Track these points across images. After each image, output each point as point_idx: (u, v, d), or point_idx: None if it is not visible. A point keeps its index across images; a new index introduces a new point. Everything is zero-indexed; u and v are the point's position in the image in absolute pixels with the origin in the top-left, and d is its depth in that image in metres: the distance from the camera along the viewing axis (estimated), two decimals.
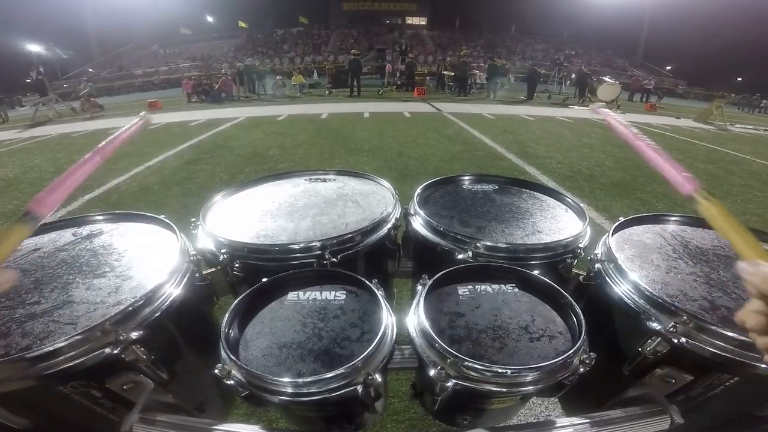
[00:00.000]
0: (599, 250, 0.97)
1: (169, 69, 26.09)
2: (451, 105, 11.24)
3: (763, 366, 0.64)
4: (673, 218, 1.10)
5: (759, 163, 5.62)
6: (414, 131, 7.02)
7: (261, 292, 0.81)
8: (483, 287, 0.84)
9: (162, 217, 1.04)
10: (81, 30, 29.99)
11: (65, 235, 1.01)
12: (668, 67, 33.06)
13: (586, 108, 11.75)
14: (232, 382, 0.63)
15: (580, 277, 1.00)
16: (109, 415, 0.79)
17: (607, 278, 0.86)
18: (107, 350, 0.65)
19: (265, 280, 0.83)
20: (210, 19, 36.86)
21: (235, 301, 0.76)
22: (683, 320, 0.69)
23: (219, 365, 0.63)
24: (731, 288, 0.81)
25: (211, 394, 1.02)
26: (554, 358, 0.64)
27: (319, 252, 0.91)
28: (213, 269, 1.07)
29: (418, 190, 1.23)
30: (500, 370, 0.62)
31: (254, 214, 1.11)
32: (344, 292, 0.83)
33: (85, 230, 1.04)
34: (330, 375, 0.60)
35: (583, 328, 0.70)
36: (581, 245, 0.97)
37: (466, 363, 0.63)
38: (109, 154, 0.69)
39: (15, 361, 0.61)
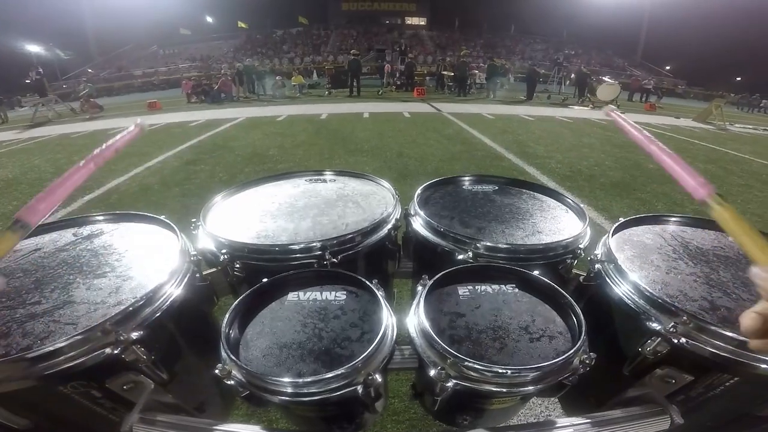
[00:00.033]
0: (599, 251, 0.97)
1: (168, 69, 26.10)
2: (451, 105, 11.24)
3: (763, 366, 0.64)
4: (673, 219, 1.10)
5: (758, 163, 5.63)
6: (414, 131, 7.02)
7: (261, 293, 0.81)
8: (483, 287, 0.84)
9: (162, 217, 1.04)
10: (80, 30, 30.00)
11: (66, 236, 1.01)
12: (668, 67, 33.10)
13: (585, 108, 11.77)
14: (232, 382, 0.63)
15: (580, 278, 1.00)
16: (109, 415, 0.78)
17: (607, 279, 0.86)
18: (107, 350, 0.65)
19: (265, 280, 0.83)
20: (209, 19, 36.87)
21: (236, 302, 0.76)
22: (683, 320, 0.69)
23: (219, 365, 0.63)
24: (731, 288, 0.81)
25: (211, 394, 1.02)
26: (554, 359, 0.64)
27: (319, 252, 0.91)
28: (213, 269, 1.07)
29: (419, 191, 1.23)
30: (500, 371, 0.62)
31: (254, 215, 1.11)
32: (344, 292, 0.83)
33: (85, 230, 1.04)
34: (330, 375, 0.60)
35: (583, 329, 0.70)
36: (581, 246, 0.97)
37: (466, 363, 0.63)
38: (103, 163, 0.68)
39: (15, 361, 0.60)
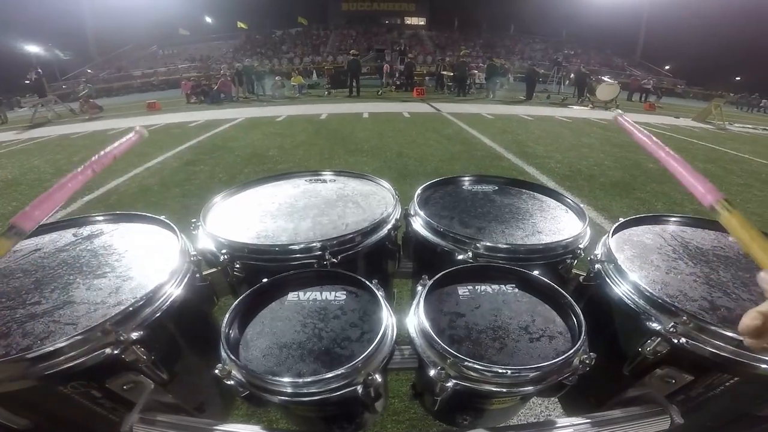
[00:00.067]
0: (599, 251, 0.97)
1: (167, 70, 26.08)
2: (450, 105, 11.25)
3: (764, 366, 0.64)
4: (673, 219, 1.10)
5: (758, 162, 5.63)
6: (413, 131, 7.03)
7: (261, 293, 0.81)
8: (483, 287, 0.84)
9: (162, 217, 1.04)
10: (80, 31, 29.99)
11: (66, 236, 1.01)
12: (667, 67, 33.12)
13: (585, 108, 11.78)
14: (232, 382, 0.63)
15: (580, 278, 1.00)
16: (109, 415, 0.78)
17: (607, 279, 0.86)
18: (107, 350, 0.65)
19: (265, 280, 0.83)
20: (209, 19, 36.84)
21: (236, 302, 0.76)
22: (683, 320, 0.69)
23: (219, 365, 0.63)
24: (731, 288, 0.81)
25: (211, 394, 1.02)
26: (554, 359, 0.64)
27: (319, 252, 0.91)
28: (213, 270, 1.07)
29: (418, 191, 1.23)
30: (500, 371, 0.62)
31: (254, 215, 1.11)
32: (344, 292, 0.83)
33: (85, 231, 1.04)
34: (330, 375, 0.60)
35: (583, 329, 0.70)
36: (581, 246, 0.97)
37: (466, 363, 0.63)
38: (101, 169, 0.68)
39: (15, 361, 0.60)
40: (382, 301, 0.76)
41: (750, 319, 0.38)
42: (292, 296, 0.82)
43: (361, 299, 0.82)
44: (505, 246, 0.94)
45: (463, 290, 0.83)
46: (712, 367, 0.71)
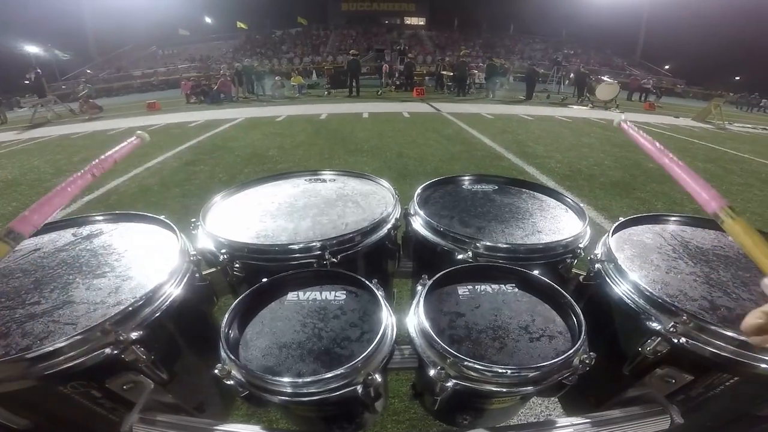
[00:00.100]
0: (599, 250, 0.97)
1: (167, 70, 26.09)
2: (450, 105, 11.25)
3: (763, 366, 0.64)
4: (673, 218, 1.10)
5: (758, 162, 5.63)
6: (413, 131, 7.02)
7: (261, 292, 0.81)
8: (483, 287, 0.84)
9: (162, 217, 1.04)
10: (79, 31, 29.99)
11: (65, 236, 1.01)
12: (667, 67, 33.13)
13: (585, 107, 11.78)
14: (231, 382, 0.63)
15: (580, 277, 1.00)
16: (109, 415, 0.78)
17: (607, 278, 0.86)
18: (107, 350, 0.65)
19: (264, 280, 0.83)
20: (208, 19, 36.84)
21: (235, 302, 0.76)
22: (683, 320, 0.69)
23: (219, 365, 0.63)
24: (731, 288, 0.81)
25: (211, 394, 1.02)
26: (554, 358, 0.64)
27: (318, 252, 0.91)
28: (213, 269, 1.07)
29: (418, 190, 1.23)
30: (500, 370, 0.62)
31: (254, 215, 1.11)
32: (344, 292, 0.83)
33: (85, 230, 1.04)
34: (330, 375, 0.60)
35: (583, 328, 0.70)
36: (581, 245, 0.97)
37: (465, 363, 0.63)
38: (100, 174, 0.68)
39: (15, 361, 0.60)
40: (382, 301, 0.76)
41: (754, 318, 0.38)
42: (291, 296, 0.82)
43: (361, 299, 0.82)
44: (505, 245, 0.94)
45: (463, 290, 0.83)
46: (712, 367, 0.71)
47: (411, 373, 0.96)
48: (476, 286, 0.84)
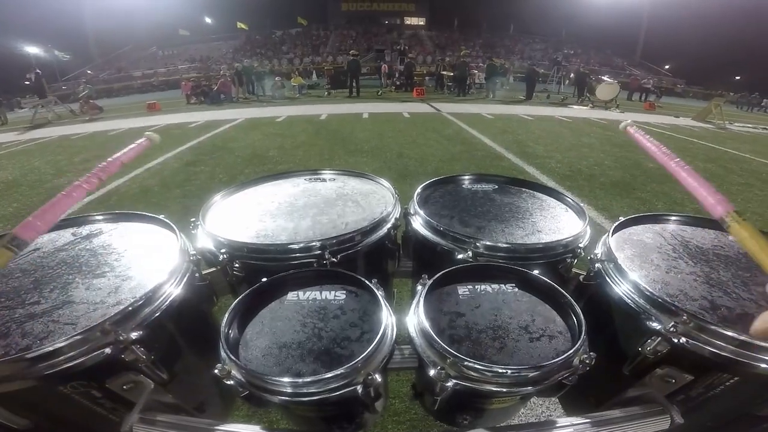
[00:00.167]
0: (599, 250, 0.97)
1: (167, 70, 26.11)
2: (450, 105, 11.25)
3: (763, 366, 0.64)
4: (673, 218, 1.10)
5: (758, 162, 5.63)
6: (413, 131, 7.03)
7: (261, 292, 0.81)
8: (483, 287, 0.84)
9: (161, 216, 1.04)
10: (79, 32, 30.03)
11: (65, 235, 1.01)
12: (667, 66, 33.12)
13: (585, 107, 11.78)
14: (231, 382, 0.63)
15: (580, 277, 0.99)
16: (109, 415, 0.78)
17: (607, 278, 0.86)
18: (107, 350, 0.65)
19: (264, 280, 0.82)
20: (208, 20, 36.88)
21: (235, 301, 0.76)
22: (683, 320, 0.69)
23: (219, 365, 0.63)
24: (731, 288, 0.81)
25: (211, 394, 1.02)
26: (554, 358, 0.64)
27: (318, 252, 0.91)
28: (213, 269, 1.07)
29: (418, 190, 1.23)
30: (500, 370, 0.62)
31: (254, 214, 1.11)
32: (344, 292, 0.83)
33: (84, 230, 1.04)
34: (330, 375, 0.60)
35: (583, 328, 0.70)
36: (581, 245, 0.97)
37: (466, 363, 0.63)
38: (107, 177, 0.67)
39: (15, 361, 0.60)
40: (382, 301, 0.76)
41: (764, 322, 0.38)
42: (291, 296, 0.82)
43: (361, 299, 0.82)
44: (505, 245, 0.94)
45: (463, 290, 0.83)
46: (713, 367, 0.71)
47: (411, 373, 0.96)
48: (476, 286, 0.84)
